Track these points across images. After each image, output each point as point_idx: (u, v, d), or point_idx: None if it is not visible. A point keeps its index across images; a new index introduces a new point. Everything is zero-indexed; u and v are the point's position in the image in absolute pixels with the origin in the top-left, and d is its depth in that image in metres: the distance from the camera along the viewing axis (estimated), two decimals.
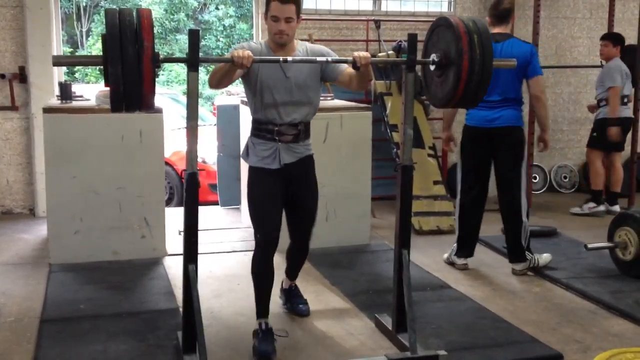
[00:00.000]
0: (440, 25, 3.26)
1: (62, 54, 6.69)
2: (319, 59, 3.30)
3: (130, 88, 2.74)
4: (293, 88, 3.36)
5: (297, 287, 3.96)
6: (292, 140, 3.41)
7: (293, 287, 3.95)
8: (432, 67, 3.28)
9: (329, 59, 3.30)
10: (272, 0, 3.27)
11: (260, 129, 3.42)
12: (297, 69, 3.36)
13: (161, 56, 2.89)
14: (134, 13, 2.77)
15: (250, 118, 3.49)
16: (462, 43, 3.08)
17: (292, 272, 3.90)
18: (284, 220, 3.56)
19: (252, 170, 3.48)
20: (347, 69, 3.37)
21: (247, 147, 3.51)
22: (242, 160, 3.62)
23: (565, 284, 4.42)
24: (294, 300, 3.93)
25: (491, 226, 5.93)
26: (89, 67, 14.15)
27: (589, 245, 4.67)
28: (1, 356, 3.31)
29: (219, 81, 3.26)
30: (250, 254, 3.60)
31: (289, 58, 3.22)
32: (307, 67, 3.37)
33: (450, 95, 3.21)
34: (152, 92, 2.81)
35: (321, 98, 5.37)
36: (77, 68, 16.36)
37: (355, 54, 3.19)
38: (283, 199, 3.48)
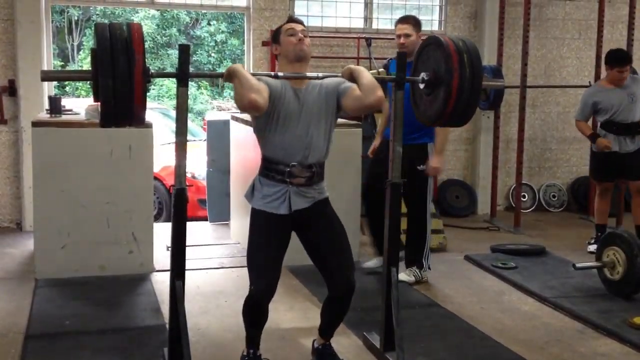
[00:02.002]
0: (430, 44, 3.26)
1: (52, 67, 6.67)
2: (315, 75, 3.11)
3: (121, 103, 2.69)
4: (310, 121, 3.09)
5: (331, 346, 3.46)
6: (304, 184, 3.11)
7: (327, 347, 3.44)
8: (421, 86, 3.28)
9: (320, 74, 3.14)
10: (283, 26, 3.21)
11: (269, 169, 3.11)
12: (314, 99, 3.11)
13: (152, 71, 2.86)
14: (125, 27, 2.74)
15: (260, 156, 3.19)
16: (453, 61, 3.07)
17: (328, 329, 3.42)
18: (315, 270, 3.30)
19: (255, 213, 3.16)
20: (351, 85, 3.08)
21: (252, 186, 3.19)
22: (245, 199, 3.29)
23: (554, 303, 4.42)
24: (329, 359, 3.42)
25: (480, 244, 5.95)
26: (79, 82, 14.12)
27: (577, 265, 4.68)
28: None
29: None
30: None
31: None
32: (324, 98, 3.13)
33: (440, 112, 3.19)
34: (143, 106, 2.77)
35: None
36: (67, 82, 16.35)
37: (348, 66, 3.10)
38: (287, 245, 3.19)
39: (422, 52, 3.35)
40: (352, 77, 3.05)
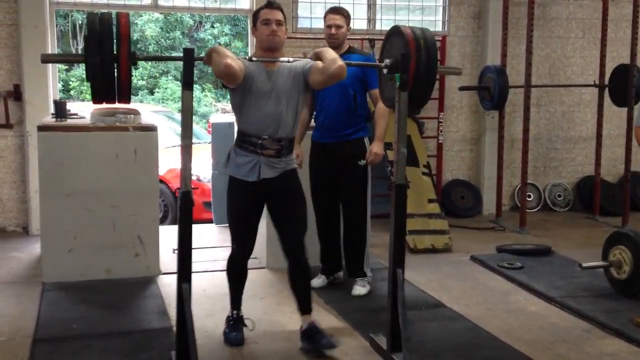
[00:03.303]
0: (393, 33, 3.53)
1: (57, 71, 6.69)
2: (286, 60, 3.47)
3: (109, 81, 2.97)
4: (280, 99, 3.45)
5: (315, 323, 3.61)
6: (274, 155, 3.49)
7: (312, 325, 3.59)
8: (385, 71, 3.49)
9: (291, 59, 3.49)
10: (261, 9, 3.52)
11: (243, 140, 3.51)
12: (284, 80, 3.47)
13: (138, 54, 3.09)
14: (113, 16, 3.00)
15: (236, 128, 3.60)
16: (410, 47, 3.33)
17: (303, 302, 3.63)
18: (275, 237, 3.74)
19: (231, 179, 3.59)
20: (315, 63, 3.42)
21: (228, 155, 3.60)
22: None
23: (560, 302, 4.41)
24: (316, 337, 3.55)
25: (486, 245, 5.95)
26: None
27: (584, 264, 4.67)
28: None
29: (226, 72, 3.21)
30: None
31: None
32: (293, 78, 3.47)
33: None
34: (129, 85, 3.04)
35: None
36: (72, 86, 16.39)
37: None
38: (261, 211, 3.64)
39: (387, 41, 3.60)
40: (318, 58, 3.41)
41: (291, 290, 3.70)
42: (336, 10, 4.55)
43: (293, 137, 3.58)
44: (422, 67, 3.34)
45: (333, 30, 4.46)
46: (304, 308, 3.64)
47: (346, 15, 4.52)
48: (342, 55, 4.42)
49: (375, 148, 4.42)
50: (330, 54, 3.38)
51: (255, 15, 3.57)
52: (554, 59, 7.58)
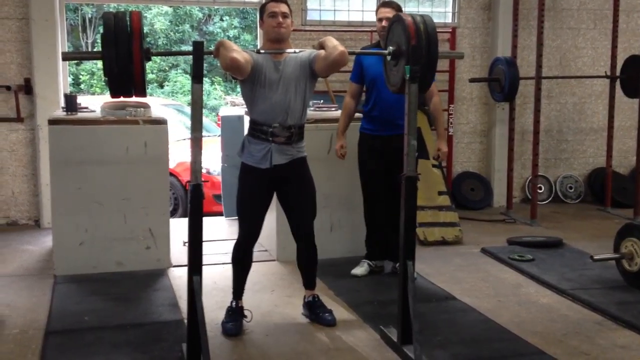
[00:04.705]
0: (395, 21, 3.61)
1: (67, 65, 6.70)
2: (292, 51, 3.62)
3: (125, 76, 3.08)
4: (288, 88, 3.59)
5: (319, 298, 3.99)
6: (285, 142, 3.64)
7: (316, 298, 3.97)
8: (388, 58, 3.57)
9: (297, 50, 3.64)
10: (268, 3, 3.64)
11: (255, 129, 3.66)
12: (291, 69, 3.61)
13: (152, 50, 3.23)
14: (127, 14, 3.10)
15: (248, 118, 3.74)
16: (410, 33, 3.40)
17: (308, 280, 3.98)
18: (286, 224, 3.92)
19: (243, 166, 3.73)
20: (319, 52, 3.59)
21: (242, 144, 3.74)
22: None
23: (572, 295, 4.40)
24: (317, 310, 3.92)
25: (496, 237, 5.93)
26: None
27: (595, 257, 4.65)
28: None
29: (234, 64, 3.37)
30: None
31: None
32: (299, 67, 3.61)
33: (403, 79, 3.46)
34: (143, 79, 3.14)
35: (325, 109, 5.43)
36: (82, 79, 16.44)
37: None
38: (270, 198, 3.80)
39: (390, 30, 3.66)
40: (321, 46, 3.59)
41: (299, 269, 3.99)
42: (387, 4, 4.64)
43: (303, 125, 3.72)
44: (424, 50, 3.40)
45: (384, 23, 4.50)
46: (308, 284, 3.99)
47: (397, 8, 4.59)
48: None
49: (443, 147, 4.67)
50: (331, 42, 3.53)
51: (262, 8, 3.70)
52: (564, 50, 7.53)
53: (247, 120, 5.96)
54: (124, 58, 3.04)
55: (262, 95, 3.58)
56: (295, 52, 3.61)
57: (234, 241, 3.85)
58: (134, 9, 3.23)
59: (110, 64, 3.04)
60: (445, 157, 4.85)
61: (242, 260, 3.82)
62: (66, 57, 3.34)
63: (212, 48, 3.44)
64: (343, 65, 3.53)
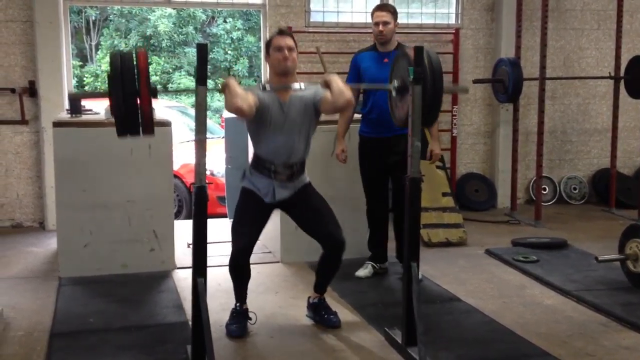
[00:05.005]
0: (399, 57, 3.62)
1: (71, 68, 6.71)
2: (298, 87, 3.58)
3: (132, 116, 3.06)
4: (292, 130, 3.63)
5: (324, 299, 3.96)
6: (286, 179, 3.69)
7: (321, 300, 3.94)
8: (394, 93, 3.59)
9: (302, 85, 3.58)
10: (273, 37, 3.71)
11: (258, 164, 3.71)
12: (296, 111, 3.64)
13: (158, 88, 3.29)
14: (133, 54, 3.07)
15: (252, 149, 3.77)
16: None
17: (322, 285, 3.93)
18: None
19: (244, 190, 3.75)
20: (325, 92, 3.53)
21: (244, 173, 3.79)
22: None
23: (576, 296, 4.39)
24: (323, 312, 3.91)
25: (500, 238, 5.93)
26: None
27: (600, 258, 4.64)
28: None
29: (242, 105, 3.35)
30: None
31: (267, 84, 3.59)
32: (304, 109, 3.65)
33: (407, 115, 3.45)
34: (151, 118, 3.12)
35: None
36: (86, 82, 16.47)
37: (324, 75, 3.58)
38: (267, 219, 3.77)
39: (395, 64, 3.66)
40: (327, 86, 3.49)
41: (318, 271, 3.91)
42: (383, 7, 4.64)
43: (304, 160, 3.76)
44: (429, 86, 3.36)
45: (381, 27, 4.54)
46: (321, 289, 3.93)
47: (393, 12, 4.60)
48: (392, 52, 4.50)
49: (436, 148, 4.70)
50: (337, 84, 3.44)
51: (268, 43, 3.75)
52: (568, 51, 7.52)
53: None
54: (132, 97, 3.03)
55: (266, 135, 3.63)
56: (300, 88, 3.60)
57: None
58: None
59: (118, 103, 3.03)
60: (438, 158, 4.85)
61: (239, 272, 3.77)
62: (73, 97, 3.36)
63: (219, 83, 3.49)
64: (349, 110, 3.55)
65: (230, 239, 5.65)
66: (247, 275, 3.79)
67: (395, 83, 3.57)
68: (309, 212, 3.76)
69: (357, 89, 4.71)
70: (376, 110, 4.59)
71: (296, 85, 3.61)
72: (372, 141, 4.68)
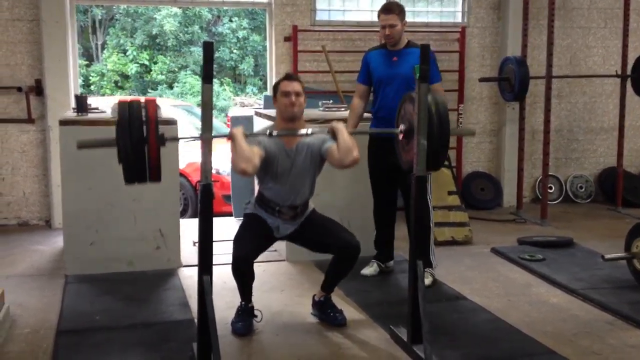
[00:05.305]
0: (406, 100, 3.60)
1: (77, 67, 6.74)
2: (305, 132, 3.58)
3: (139, 164, 3.06)
4: (297, 177, 3.68)
5: (330, 298, 3.95)
6: (290, 219, 3.75)
7: (328, 298, 3.94)
8: (400, 137, 3.60)
9: (309, 130, 3.58)
10: (281, 81, 3.72)
11: (263, 202, 3.76)
12: (302, 159, 3.68)
13: (166, 136, 3.15)
14: (142, 103, 3.09)
15: (258, 186, 3.83)
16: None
17: (330, 286, 3.92)
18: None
19: (250, 214, 3.82)
20: (332, 145, 3.55)
21: (251, 204, 3.85)
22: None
23: (582, 295, 4.38)
24: (328, 310, 3.91)
25: (506, 237, 5.92)
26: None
27: (606, 256, 4.63)
28: None
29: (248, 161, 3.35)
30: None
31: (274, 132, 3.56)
32: (310, 158, 3.68)
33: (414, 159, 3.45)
34: (159, 166, 3.10)
35: (334, 109, 5.43)
36: (92, 81, 16.52)
37: (332, 123, 3.54)
38: (268, 245, 3.84)
39: (401, 108, 3.66)
40: (334, 136, 3.51)
41: (329, 272, 3.88)
42: (388, 10, 4.55)
43: (308, 200, 3.81)
44: (436, 131, 3.36)
45: (387, 31, 4.51)
46: (329, 289, 3.92)
47: (399, 13, 4.54)
48: (401, 50, 4.48)
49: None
50: (344, 139, 3.45)
51: (276, 87, 3.77)
52: (575, 50, 7.50)
53: (255, 121, 5.98)
54: (139, 144, 3.02)
55: (272, 181, 3.69)
56: (307, 134, 3.59)
57: None
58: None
59: (126, 152, 3.02)
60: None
61: (241, 276, 3.75)
62: (81, 145, 3.25)
63: (227, 131, 3.46)
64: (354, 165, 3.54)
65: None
66: (250, 277, 3.77)
67: (402, 127, 3.57)
68: (316, 232, 3.78)
69: (367, 88, 4.71)
70: (384, 109, 4.57)
71: (303, 131, 3.60)
72: (381, 140, 4.66)
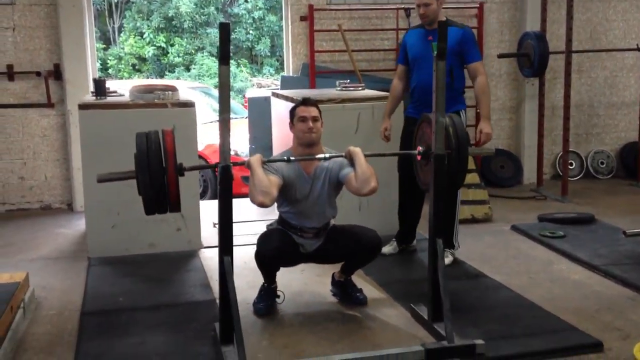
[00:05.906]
0: (424, 121, 3.59)
1: (95, 50, 6.76)
2: (322, 157, 3.54)
3: (159, 194, 3.07)
4: (316, 201, 3.67)
5: (351, 278, 3.98)
6: (312, 237, 3.75)
7: (348, 279, 3.97)
8: (418, 158, 3.57)
9: (326, 154, 3.54)
10: (297, 107, 3.70)
11: (284, 223, 3.78)
12: (320, 185, 3.68)
13: (185, 166, 3.16)
14: (160, 133, 3.09)
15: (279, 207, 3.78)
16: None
17: (351, 271, 3.95)
18: None
19: (276, 228, 3.80)
20: (350, 172, 3.54)
21: (273, 224, 3.86)
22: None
23: (604, 270, 4.35)
24: (349, 290, 3.93)
25: (527, 214, 5.89)
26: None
27: (628, 232, 4.60)
28: (44, 349, 3.39)
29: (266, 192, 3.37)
30: None
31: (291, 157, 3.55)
32: (328, 183, 3.67)
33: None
34: (178, 196, 3.11)
35: (352, 88, 5.41)
36: (110, 64, 16.59)
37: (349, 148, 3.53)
38: (293, 251, 3.74)
39: (419, 129, 3.66)
40: (351, 160, 3.52)
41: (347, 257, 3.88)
42: None
43: (330, 220, 3.80)
44: (454, 152, 3.37)
45: (422, 10, 4.46)
46: (348, 273, 3.95)
47: None
48: (437, 29, 4.42)
49: (485, 128, 4.48)
50: (363, 168, 3.45)
51: (292, 112, 3.73)
52: (595, 23, 7.39)
53: (273, 102, 5.96)
54: (158, 176, 3.03)
55: (291, 206, 3.69)
56: (325, 158, 3.55)
57: (264, 222, 3.88)
58: (167, 129, 3.09)
59: (144, 184, 3.03)
60: (488, 138, 4.51)
61: (264, 270, 3.80)
62: (101, 179, 3.25)
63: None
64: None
65: (256, 218, 5.71)
66: (274, 269, 3.82)
67: (420, 148, 3.55)
68: (338, 240, 3.76)
69: (406, 68, 4.64)
70: (418, 89, 4.50)
71: (320, 156, 3.56)
72: (413, 121, 4.59)
